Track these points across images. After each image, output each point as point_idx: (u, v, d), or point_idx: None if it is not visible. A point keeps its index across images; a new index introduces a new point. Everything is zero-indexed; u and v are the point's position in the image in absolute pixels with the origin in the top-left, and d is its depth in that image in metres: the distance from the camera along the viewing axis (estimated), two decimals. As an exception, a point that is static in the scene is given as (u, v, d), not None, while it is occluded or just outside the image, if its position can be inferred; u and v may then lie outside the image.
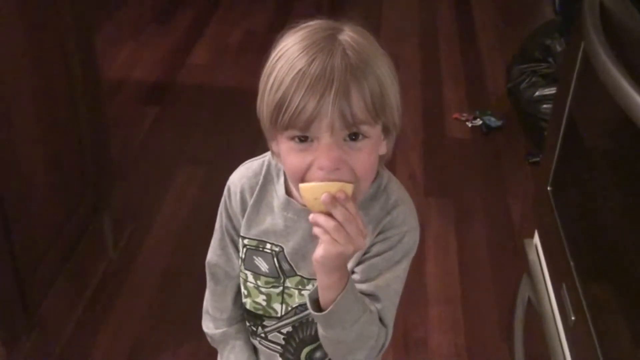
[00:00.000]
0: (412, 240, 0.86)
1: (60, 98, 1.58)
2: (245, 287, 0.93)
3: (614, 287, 1.08)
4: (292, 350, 0.94)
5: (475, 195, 2.21)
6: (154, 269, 1.87)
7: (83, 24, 1.61)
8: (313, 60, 0.74)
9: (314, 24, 0.80)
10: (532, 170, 2.24)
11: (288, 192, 0.88)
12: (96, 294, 1.77)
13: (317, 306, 0.81)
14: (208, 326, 1.01)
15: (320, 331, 0.83)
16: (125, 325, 1.71)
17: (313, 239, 0.85)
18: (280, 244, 0.88)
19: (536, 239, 1.42)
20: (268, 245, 0.89)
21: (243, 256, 0.91)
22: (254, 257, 0.90)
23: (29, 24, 1.40)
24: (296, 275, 0.89)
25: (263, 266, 0.90)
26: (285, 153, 0.78)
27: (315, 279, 0.87)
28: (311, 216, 0.76)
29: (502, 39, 3.07)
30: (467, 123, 2.53)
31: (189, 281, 1.74)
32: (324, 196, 0.74)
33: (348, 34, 0.78)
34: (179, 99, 2.62)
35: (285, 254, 0.88)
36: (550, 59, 2.40)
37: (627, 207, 1.05)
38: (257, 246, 0.90)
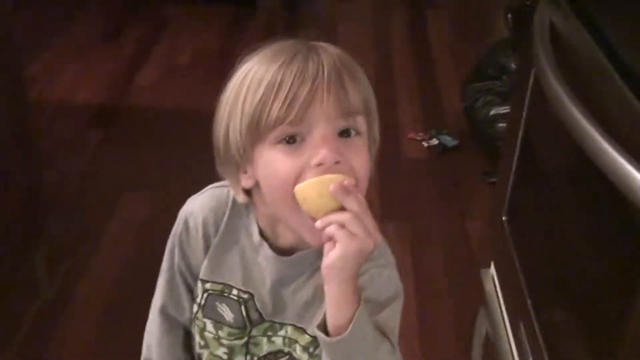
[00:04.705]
0: (393, 274, 0.77)
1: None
2: (203, 337, 0.81)
3: (572, 324, 1.02)
4: None
5: (433, 218, 2.15)
6: (93, 308, 1.74)
7: (8, 44, 1.51)
8: (295, 54, 0.67)
9: (282, 42, 0.71)
10: (490, 190, 2.19)
11: (260, 233, 0.77)
12: (28, 337, 1.64)
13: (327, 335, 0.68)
14: None
15: None
16: (61, 370, 1.59)
17: (286, 285, 0.76)
18: (249, 291, 0.77)
19: (492, 269, 1.37)
20: (235, 291, 0.78)
21: (202, 302, 0.79)
22: (217, 304, 0.78)
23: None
24: (265, 321, 0.78)
25: (227, 315, 0.78)
26: (270, 163, 0.68)
27: (289, 324, 0.76)
28: (318, 222, 0.65)
29: (458, 56, 3.05)
30: (423, 143, 2.48)
31: (132, 318, 1.61)
32: (332, 186, 0.64)
33: (328, 47, 0.70)
34: (125, 121, 2.51)
35: (255, 301, 0.77)
36: (505, 77, 2.38)
37: (585, 237, 1.00)
38: (222, 291, 0.78)
